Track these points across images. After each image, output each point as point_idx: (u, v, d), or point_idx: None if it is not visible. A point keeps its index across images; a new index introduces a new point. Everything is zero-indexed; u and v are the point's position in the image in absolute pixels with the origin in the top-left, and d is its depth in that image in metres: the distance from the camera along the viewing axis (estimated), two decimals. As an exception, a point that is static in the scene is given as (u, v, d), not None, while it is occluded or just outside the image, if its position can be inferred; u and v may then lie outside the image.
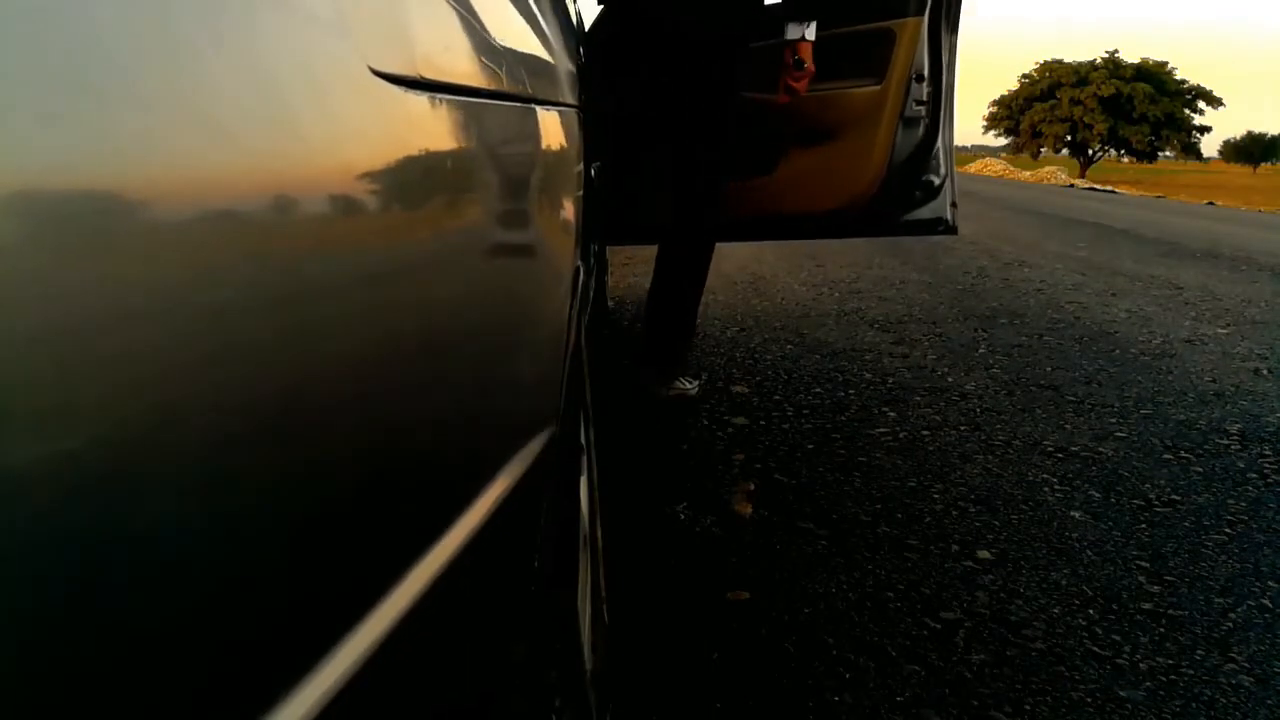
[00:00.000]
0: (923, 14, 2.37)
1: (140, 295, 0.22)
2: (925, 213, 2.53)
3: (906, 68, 2.37)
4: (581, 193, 1.05)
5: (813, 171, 2.48)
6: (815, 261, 5.24)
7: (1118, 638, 1.38)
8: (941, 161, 2.50)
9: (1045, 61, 43.12)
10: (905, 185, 2.47)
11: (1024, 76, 44.18)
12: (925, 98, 2.42)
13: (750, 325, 3.55)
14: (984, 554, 1.65)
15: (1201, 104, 40.50)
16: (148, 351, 0.22)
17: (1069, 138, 41.67)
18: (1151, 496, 1.94)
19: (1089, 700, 1.23)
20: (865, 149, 2.41)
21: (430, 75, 0.41)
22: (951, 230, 2.59)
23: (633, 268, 4.69)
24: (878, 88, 2.39)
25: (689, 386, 2.54)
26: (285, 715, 0.27)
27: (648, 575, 1.53)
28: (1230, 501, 1.92)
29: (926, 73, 2.41)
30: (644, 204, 2.51)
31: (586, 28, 2.37)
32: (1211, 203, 15.66)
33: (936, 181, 2.51)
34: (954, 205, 2.56)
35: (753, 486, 1.94)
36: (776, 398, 2.60)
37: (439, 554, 0.38)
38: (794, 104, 2.50)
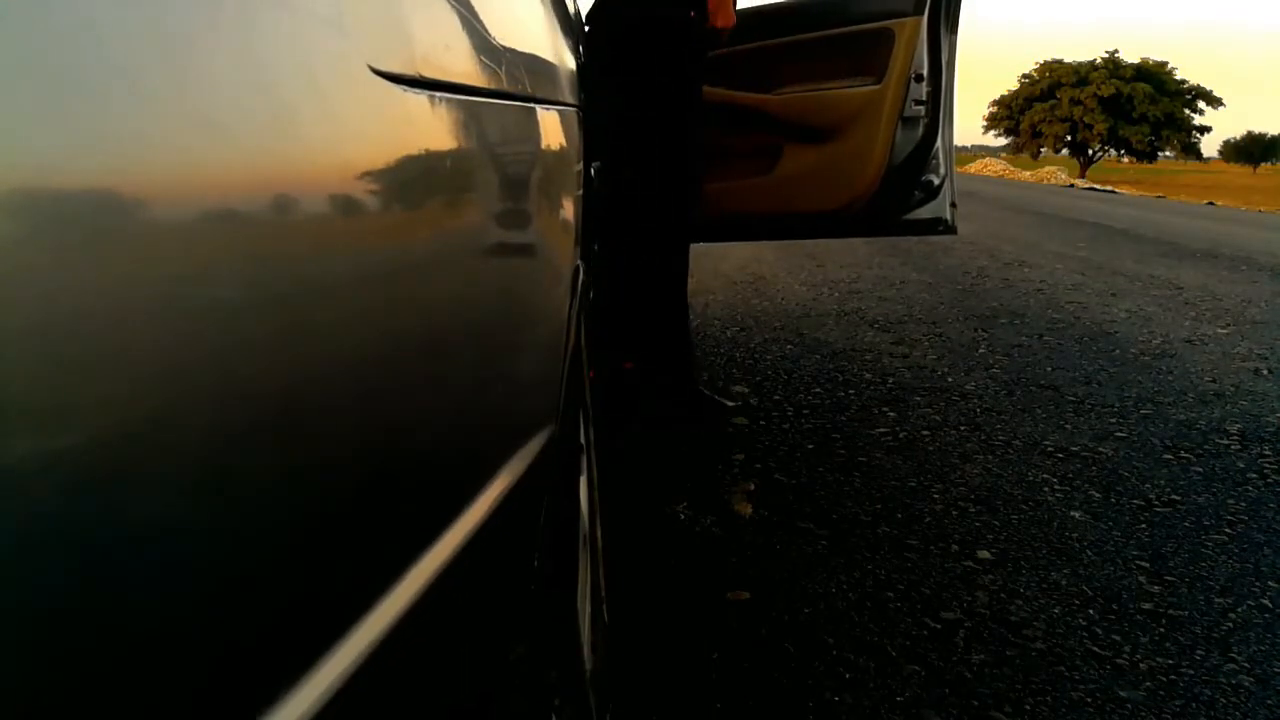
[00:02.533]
0: (922, 14, 2.36)
1: (140, 295, 0.22)
2: (925, 213, 2.52)
3: (905, 67, 2.36)
4: (581, 193, 1.05)
5: (812, 171, 2.47)
6: (815, 261, 5.24)
7: (1118, 638, 1.38)
8: (941, 161, 2.49)
9: (1045, 61, 43.11)
10: (905, 185, 2.46)
11: (1024, 76, 44.17)
12: (925, 97, 2.41)
13: (750, 325, 3.55)
14: (984, 554, 1.65)
15: (1201, 104, 40.50)
16: (147, 351, 0.22)
17: (1069, 138, 41.65)
18: (1151, 496, 1.94)
19: (1089, 700, 1.23)
20: (865, 149, 2.41)
21: (430, 75, 0.41)
22: (951, 230, 2.58)
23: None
24: (877, 87, 2.39)
25: (731, 403, 2.50)
26: (285, 714, 0.27)
27: (648, 575, 1.53)
28: (1230, 501, 1.92)
29: (926, 72, 2.41)
30: (638, 206, 2.50)
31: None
32: (1211, 203, 15.65)
33: (936, 181, 2.49)
34: (954, 205, 2.55)
35: (753, 486, 1.94)
36: (776, 398, 2.60)
37: (439, 553, 0.38)
38: (794, 103, 2.49)
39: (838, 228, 2.63)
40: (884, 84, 2.37)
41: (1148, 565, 1.62)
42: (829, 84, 2.43)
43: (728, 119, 2.56)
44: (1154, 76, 39.88)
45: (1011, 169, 28.66)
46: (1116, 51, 40.87)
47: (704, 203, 2.44)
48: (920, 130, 2.43)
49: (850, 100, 2.42)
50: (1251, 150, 73.20)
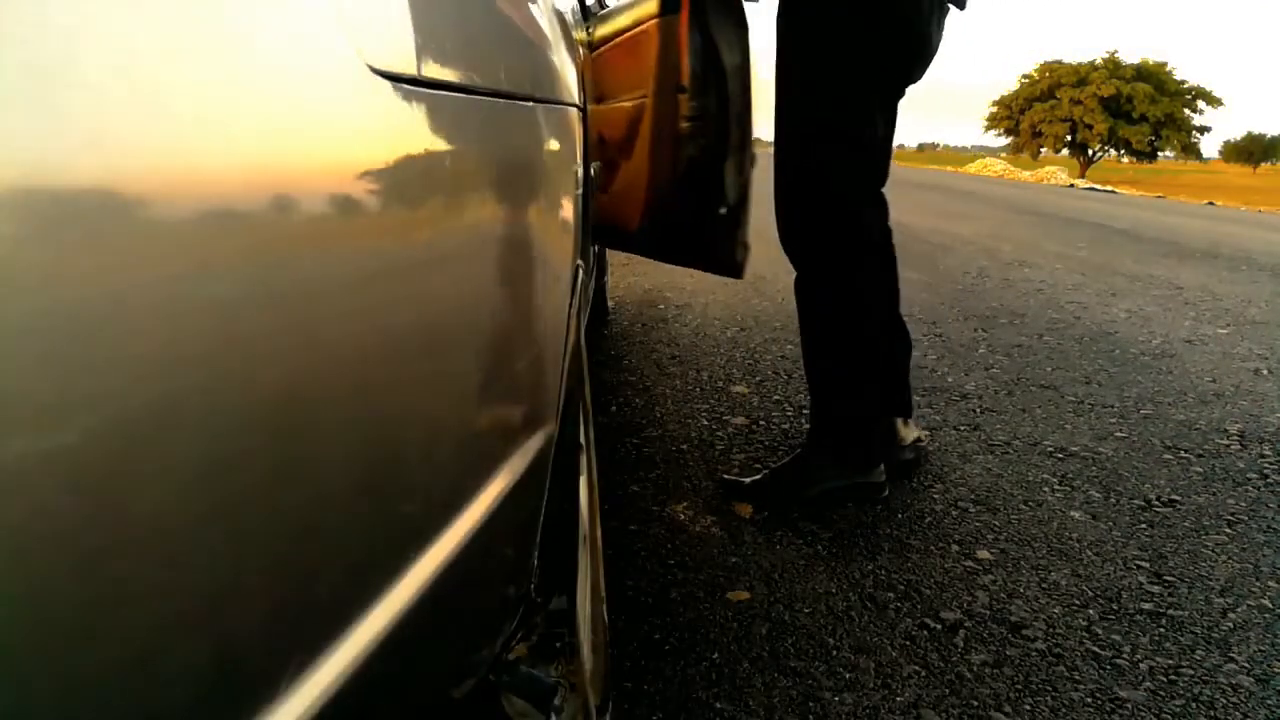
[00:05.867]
0: (676, 11, 1.92)
1: (140, 294, 0.22)
2: (715, 249, 2.05)
3: (665, 76, 1.96)
4: (581, 192, 1.05)
5: (623, 188, 2.14)
6: (815, 261, 5.23)
7: (1118, 638, 1.38)
8: (730, 190, 2.00)
9: (1045, 62, 43.21)
10: (677, 214, 2.06)
11: (1024, 76, 44.25)
12: (691, 113, 1.98)
13: (750, 325, 3.55)
14: (984, 554, 1.65)
15: (1201, 104, 40.53)
16: (147, 350, 0.22)
17: (1069, 138, 41.69)
18: (1151, 496, 1.94)
19: (1089, 700, 1.23)
20: (639, 169, 2.05)
21: (430, 75, 0.42)
22: (735, 274, 2.03)
23: (632, 267, 4.69)
24: (646, 100, 2.01)
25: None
26: (285, 713, 0.27)
27: (648, 575, 1.53)
28: (1230, 501, 1.92)
29: (687, 83, 1.95)
30: None
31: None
32: (1211, 203, 15.66)
33: (722, 212, 2.02)
34: (744, 245, 2.03)
35: (753, 486, 1.93)
36: (776, 398, 2.60)
37: (439, 552, 0.38)
38: (605, 115, 2.20)
39: (640, 249, 2.25)
40: (647, 96, 2.01)
41: (1148, 565, 1.62)
42: (625, 96, 2.09)
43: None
44: (1154, 76, 39.94)
45: (1011, 169, 28.67)
46: (1116, 51, 40.97)
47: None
48: (692, 152, 2.00)
49: (629, 115, 2.07)
50: (1251, 150, 73.25)
